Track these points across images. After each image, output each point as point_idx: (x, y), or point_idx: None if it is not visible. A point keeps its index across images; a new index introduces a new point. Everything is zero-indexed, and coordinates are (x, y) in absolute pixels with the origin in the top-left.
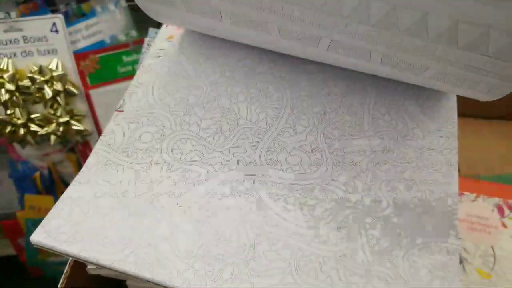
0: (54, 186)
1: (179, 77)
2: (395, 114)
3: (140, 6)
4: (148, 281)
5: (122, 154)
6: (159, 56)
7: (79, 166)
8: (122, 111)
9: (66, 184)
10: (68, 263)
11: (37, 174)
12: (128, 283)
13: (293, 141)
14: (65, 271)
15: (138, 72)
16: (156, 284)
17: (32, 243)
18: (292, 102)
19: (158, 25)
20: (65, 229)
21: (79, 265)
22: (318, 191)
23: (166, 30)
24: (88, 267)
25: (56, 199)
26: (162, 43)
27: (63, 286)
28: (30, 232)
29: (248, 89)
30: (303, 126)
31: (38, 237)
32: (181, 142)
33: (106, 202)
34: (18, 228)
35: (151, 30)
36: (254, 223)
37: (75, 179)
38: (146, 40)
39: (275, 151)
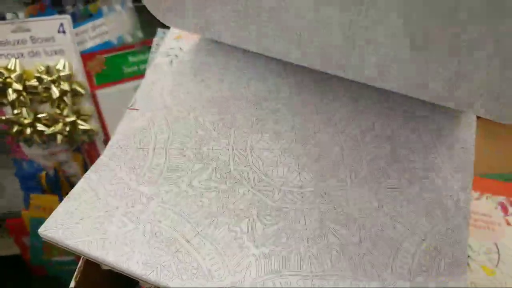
0: (59, 186)
1: (189, 76)
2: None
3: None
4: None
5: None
6: (169, 55)
7: (84, 166)
8: (136, 109)
9: (71, 184)
10: (82, 258)
11: (43, 173)
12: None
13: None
14: (79, 265)
15: (148, 71)
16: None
17: (40, 236)
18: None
19: (164, 25)
20: (73, 224)
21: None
22: None
23: (175, 29)
24: None
25: (61, 199)
26: (171, 42)
27: (76, 280)
28: (35, 231)
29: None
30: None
31: (45, 231)
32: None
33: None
34: (23, 227)
35: (159, 30)
36: None
37: (87, 173)
38: (155, 40)
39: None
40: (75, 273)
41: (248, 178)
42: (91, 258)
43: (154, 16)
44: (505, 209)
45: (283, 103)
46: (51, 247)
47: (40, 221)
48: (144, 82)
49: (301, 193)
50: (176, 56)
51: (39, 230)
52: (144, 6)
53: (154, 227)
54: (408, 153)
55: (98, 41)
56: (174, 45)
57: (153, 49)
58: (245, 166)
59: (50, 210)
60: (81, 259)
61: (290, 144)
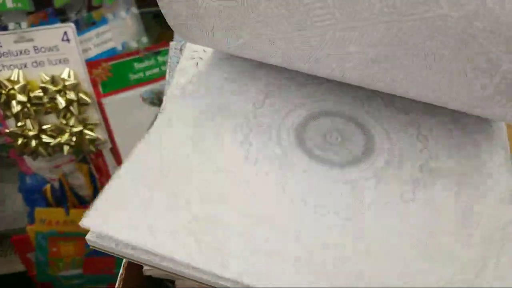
0: (65, 198)
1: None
2: None
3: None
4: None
5: None
6: (194, 58)
7: (90, 177)
8: None
9: (77, 196)
10: (122, 265)
11: (48, 186)
12: (177, 283)
13: None
14: (120, 273)
15: (176, 75)
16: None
17: (88, 243)
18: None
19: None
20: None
21: (134, 266)
22: None
23: None
24: (144, 268)
25: (67, 211)
26: (195, 45)
27: (120, 287)
28: (40, 246)
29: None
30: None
31: (92, 236)
32: None
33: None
34: (28, 243)
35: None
36: None
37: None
38: (172, 44)
39: None
40: (117, 281)
41: None
42: (137, 261)
43: (158, 22)
44: None
45: None
46: (57, 261)
47: (46, 235)
48: (173, 86)
49: None
50: (201, 58)
51: (79, 221)
52: (149, 12)
53: None
54: None
55: (102, 48)
56: (197, 47)
57: (171, 53)
58: None
59: (56, 223)
60: (122, 265)
61: None
